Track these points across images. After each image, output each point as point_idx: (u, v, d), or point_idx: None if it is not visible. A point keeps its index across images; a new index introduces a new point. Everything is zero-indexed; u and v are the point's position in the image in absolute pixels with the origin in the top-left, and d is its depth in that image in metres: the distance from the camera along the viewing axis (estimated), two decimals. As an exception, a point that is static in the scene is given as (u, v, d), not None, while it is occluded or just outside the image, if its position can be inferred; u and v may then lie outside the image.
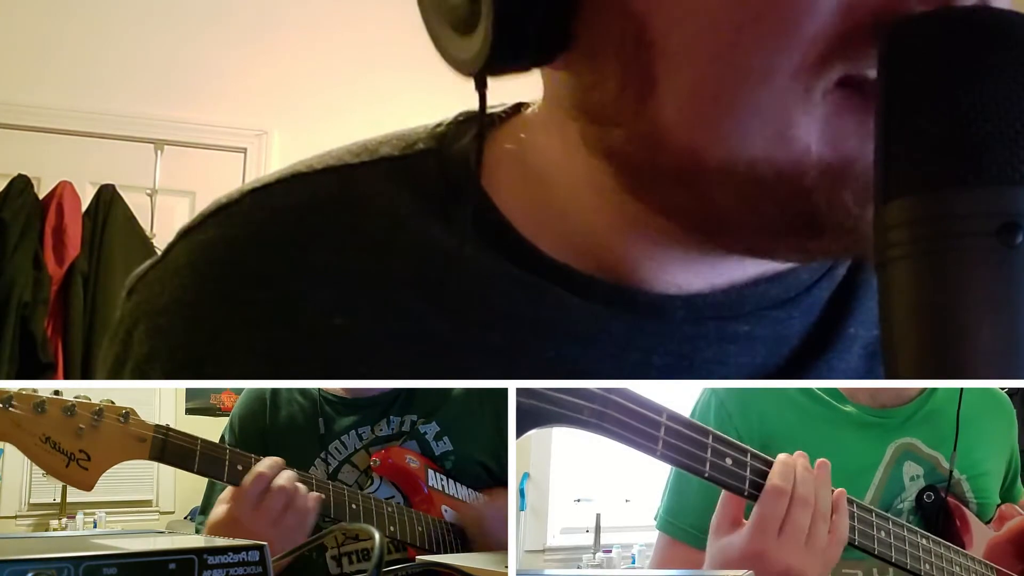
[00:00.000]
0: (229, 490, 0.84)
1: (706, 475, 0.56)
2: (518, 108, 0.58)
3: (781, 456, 0.59)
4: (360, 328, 0.52)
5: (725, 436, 0.57)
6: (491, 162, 0.54)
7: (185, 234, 0.57)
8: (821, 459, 0.60)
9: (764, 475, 0.58)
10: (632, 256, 0.52)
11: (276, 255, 0.54)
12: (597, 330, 0.52)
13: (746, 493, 0.57)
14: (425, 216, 0.54)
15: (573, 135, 0.49)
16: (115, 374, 0.57)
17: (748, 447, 0.58)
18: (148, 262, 0.58)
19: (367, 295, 0.52)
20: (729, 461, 0.56)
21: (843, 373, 0.55)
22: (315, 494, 0.85)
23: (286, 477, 0.83)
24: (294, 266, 0.53)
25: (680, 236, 0.49)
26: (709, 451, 0.56)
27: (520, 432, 0.49)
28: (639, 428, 0.52)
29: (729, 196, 0.45)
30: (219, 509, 0.83)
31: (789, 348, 0.54)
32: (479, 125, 0.51)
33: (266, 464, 0.83)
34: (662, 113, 0.44)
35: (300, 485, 0.84)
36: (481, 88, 0.48)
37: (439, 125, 0.58)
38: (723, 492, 0.59)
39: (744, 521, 0.59)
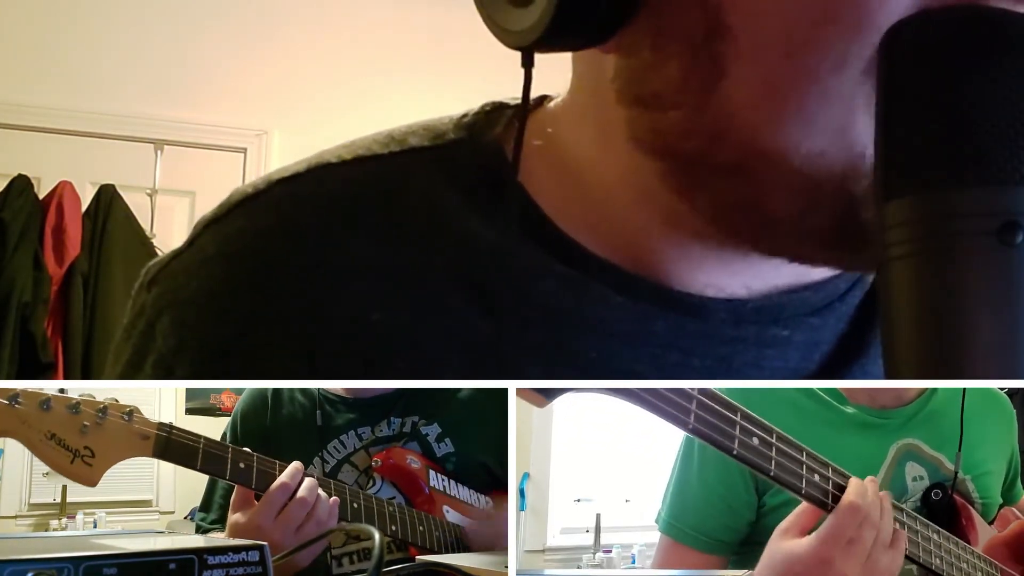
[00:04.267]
0: (240, 493, 0.84)
1: (734, 452, 0.55)
2: (541, 101, 0.56)
3: (854, 479, 0.60)
4: (397, 323, 0.50)
5: (753, 415, 0.56)
6: (522, 155, 0.52)
7: (210, 224, 0.55)
8: (885, 491, 0.61)
9: (790, 457, 0.58)
10: (667, 255, 0.51)
11: (309, 246, 0.52)
12: (640, 330, 0.50)
13: (772, 474, 0.57)
14: (460, 207, 0.52)
15: (615, 127, 0.48)
16: (134, 369, 0.55)
17: (774, 427, 0.57)
18: (169, 253, 0.56)
19: (404, 289, 0.51)
20: (756, 440, 0.56)
21: (877, 378, 0.55)
22: (335, 499, 0.86)
23: (308, 487, 0.84)
24: (327, 258, 0.52)
25: (720, 241, 0.48)
26: (738, 428, 0.55)
27: (553, 396, 0.49)
28: (672, 399, 0.51)
29: (781, 194, 0.43)
30: (239, 516, 0.84)
31: (821, 353, 0.54)
32: (522, 105, 0.49)
33: (288, 474, 0.84)
34: (728, 104, 0.42)
35: (322, 493, 0.85)
36: (527, 64, 0.46)
37: (465, 115, 0.56)
38: (803, 502, 0.60)
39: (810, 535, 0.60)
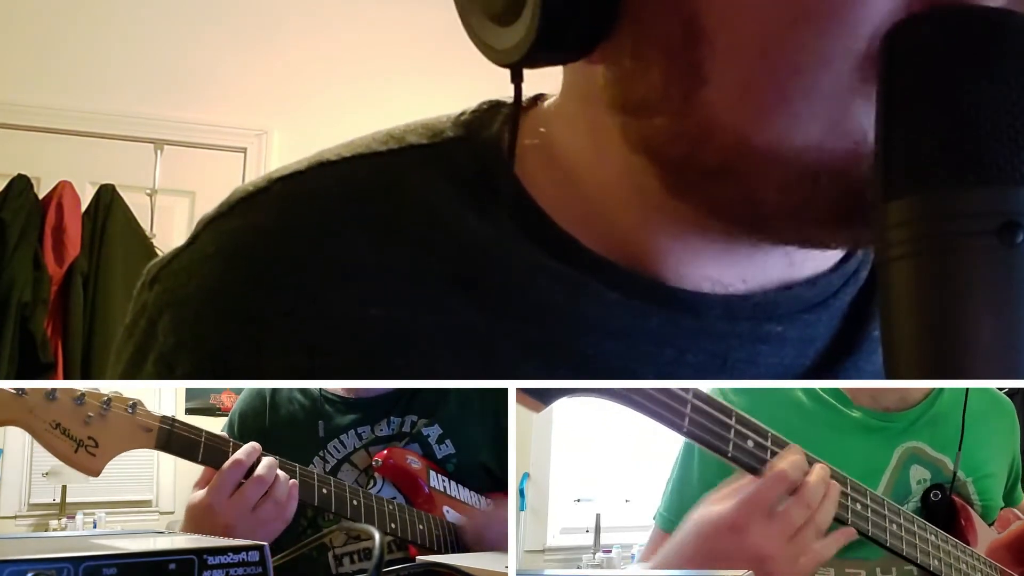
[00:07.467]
0: (204, 472, 0.83)
1: (729, 455, 0.56)
2: (535, 101, 0.57)
3: (796, 447, 0.58)
4: (396, 320, 0.51)
5: (748, 418, 0.57)
6: (518, 154, 0.53)
7: (211, 222, 0.56)
8: (833, 480, 0.59)
9: None
10: (664, 251, 0.51)
11: (308, 243, 0.53)
12: (635, 326, 0.51)
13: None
14: (458, 204, 0.52)
15: (608, 132, 0.48)
16: (135, 367, 0.56)
17: (769, 429, 0.57)
18: (170, 251, 0.57)
19: (402, 285, 0.51)
20: (751, 443, 0.56)
21: (871, 375, 0.54)
22: (294, 481, 0.84)
23: (266, 465, 0.82)
24: (326, 255, 0.52)
25: (722, 232, 0.49)
26: (732, 432, 0.56)
27: (549, 401, 0.49)
28: (666, 403, 0.52)
29: (776, 188, 0.43)
30: (196, 495, 0.82)
31: (815, 350, 0.54)
32: (513, 118, 0.50)
33: (244, 451, 0.82)
34: (710, 107, 0.43)
35: (280, 473, 0.83)
36: (517, 80, 0.47)
37: (463, 113, 0.56)
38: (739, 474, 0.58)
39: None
